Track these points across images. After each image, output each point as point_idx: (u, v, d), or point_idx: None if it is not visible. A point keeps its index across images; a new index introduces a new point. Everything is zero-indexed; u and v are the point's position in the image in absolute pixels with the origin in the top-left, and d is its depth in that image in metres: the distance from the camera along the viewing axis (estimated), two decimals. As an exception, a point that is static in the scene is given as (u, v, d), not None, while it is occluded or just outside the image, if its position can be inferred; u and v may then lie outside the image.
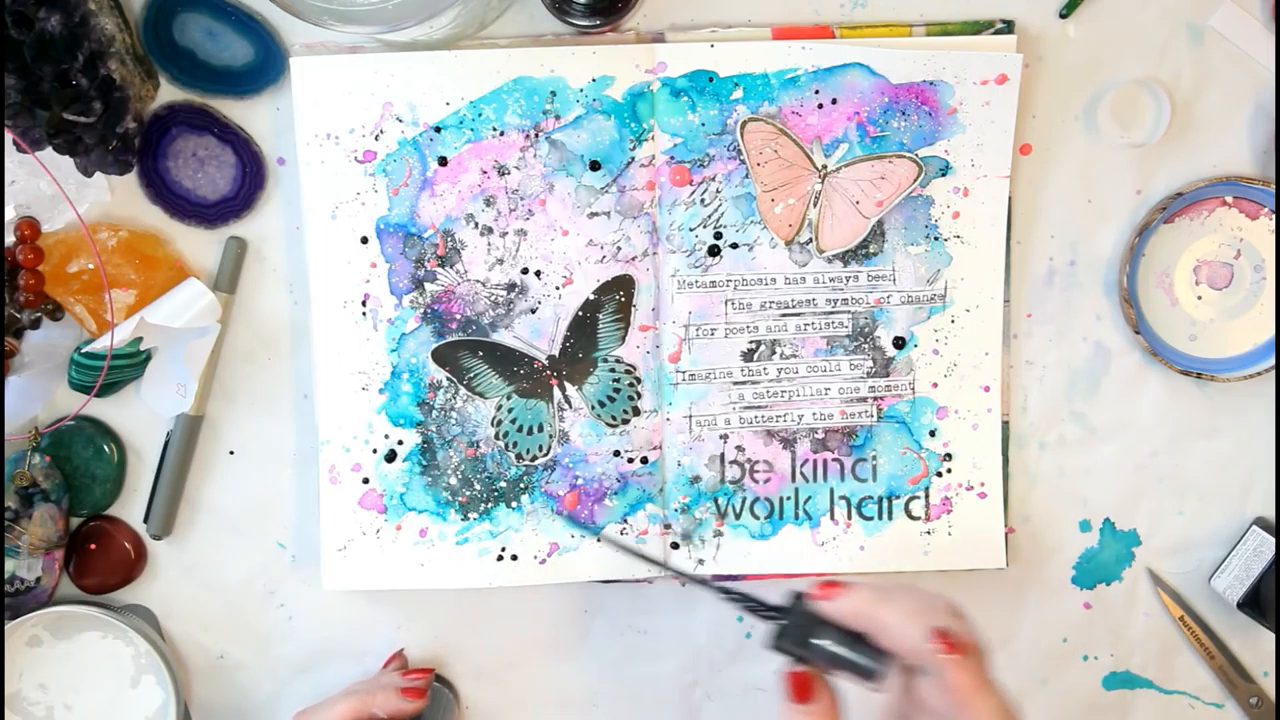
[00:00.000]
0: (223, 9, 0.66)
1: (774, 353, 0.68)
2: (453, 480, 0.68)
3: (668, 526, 0.69)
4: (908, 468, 0.69)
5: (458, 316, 0.68)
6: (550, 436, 0.69)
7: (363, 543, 0.68)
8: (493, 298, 0.68)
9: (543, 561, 0.69)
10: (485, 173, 0.67)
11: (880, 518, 0.69)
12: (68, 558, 0.69)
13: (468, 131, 0.66)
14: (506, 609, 0.71)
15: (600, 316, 0.68)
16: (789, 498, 0.69)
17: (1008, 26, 0.67)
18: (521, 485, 0.69)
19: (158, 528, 0.69)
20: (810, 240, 0.68)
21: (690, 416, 0.68)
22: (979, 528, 0.69)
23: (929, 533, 0.69)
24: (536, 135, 0.67)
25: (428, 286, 0.68)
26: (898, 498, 0.69)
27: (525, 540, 0.69)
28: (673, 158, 0.67)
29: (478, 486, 0.68)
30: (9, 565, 0.66)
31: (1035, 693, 0.72)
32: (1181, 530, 0.71)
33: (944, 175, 0.67)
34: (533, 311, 0.68)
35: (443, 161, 0.67)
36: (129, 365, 0.67)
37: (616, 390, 0.68)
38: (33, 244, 0.66)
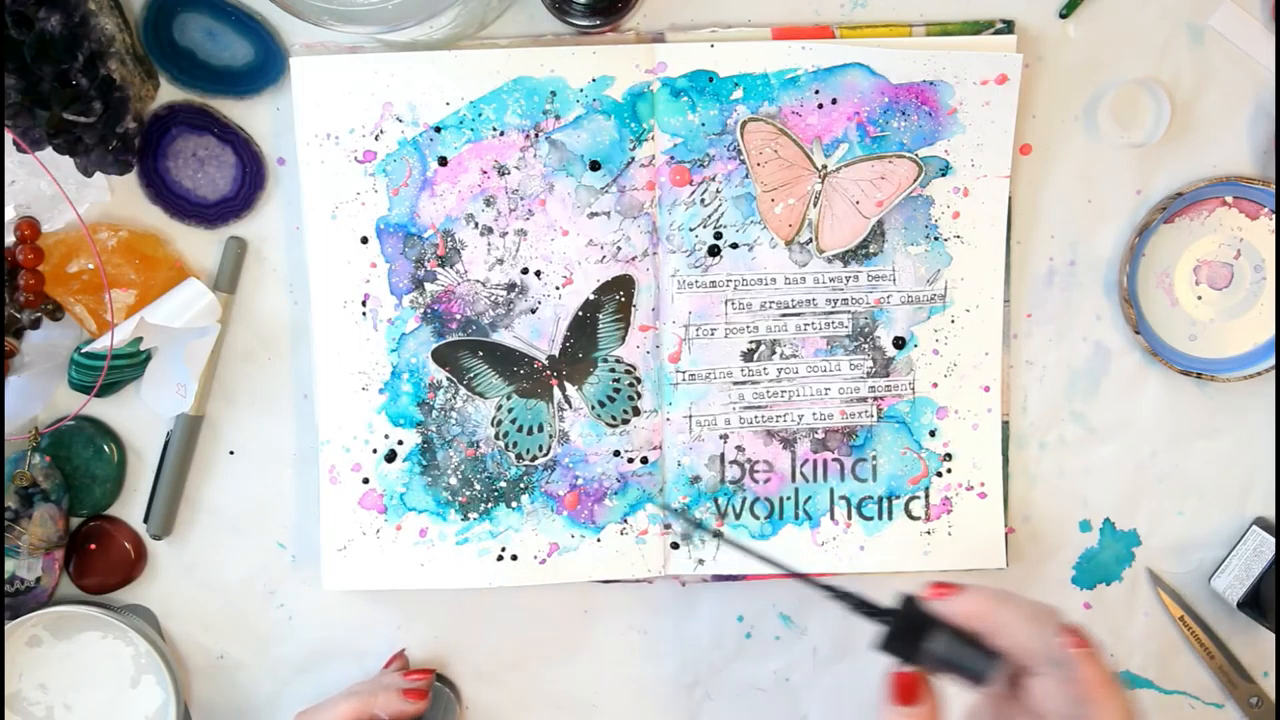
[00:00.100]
0: (223, 9, 0.66)
1: (774, 353, 0.68)
2: (453, 480, 0.68)
3: (668, 526, 0.69)
4: (908, 468, 0.69)
5: (458, 316, 0.68)
6: (550, 436, 0.69)
7: (363, 543, 0.68)
8: (493, 298, 0.68)
9: (543, 561, 0.69)
10: (485, 173, 0.67)
11: (880, 518, 0.69)
12: (68, 558, 0.69)
13: (468, 131, 0.66)
14: (506, 609, 0.71)
15: (600, 316, 0.68)
16: (789, 498, 0.69)
17: (1008, 26, 0.67)
18: (521, 485, 0.69)
19: (158, 528, 0.69)
20: (810, 240, 0.68)
21: (690, 416, 0.68)
22: (979, 528, 0.69)
23: (929, 533, 0.69)
24: (536, 135, 0.67)
25: (428, 286, 0.68)
26: (898, 498, 0.69)
27: (525, 540, 0.69)
28: (673, 158, 0.67)
29: (478, 486, 0.69)
30: (9, 565, 0.66)
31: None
32: (1181, 530, 0.71)
33: (944, 175, 0.67)
34: (533, 311, 0.68)
35: (443, 161, 0.67)
36: (129, 365, 0.67)
37: (616, 390, 0.68)
38: (33, 244, 0.66)
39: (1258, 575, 0.68)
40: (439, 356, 0.68)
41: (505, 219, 0.67)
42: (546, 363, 0.68)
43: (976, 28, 0.67)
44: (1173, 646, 0.72)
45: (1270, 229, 0.69)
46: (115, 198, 0.68)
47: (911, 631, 0.53)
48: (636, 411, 0.69)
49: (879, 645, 0.54)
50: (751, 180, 0.67)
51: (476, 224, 0.67)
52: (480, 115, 0.66)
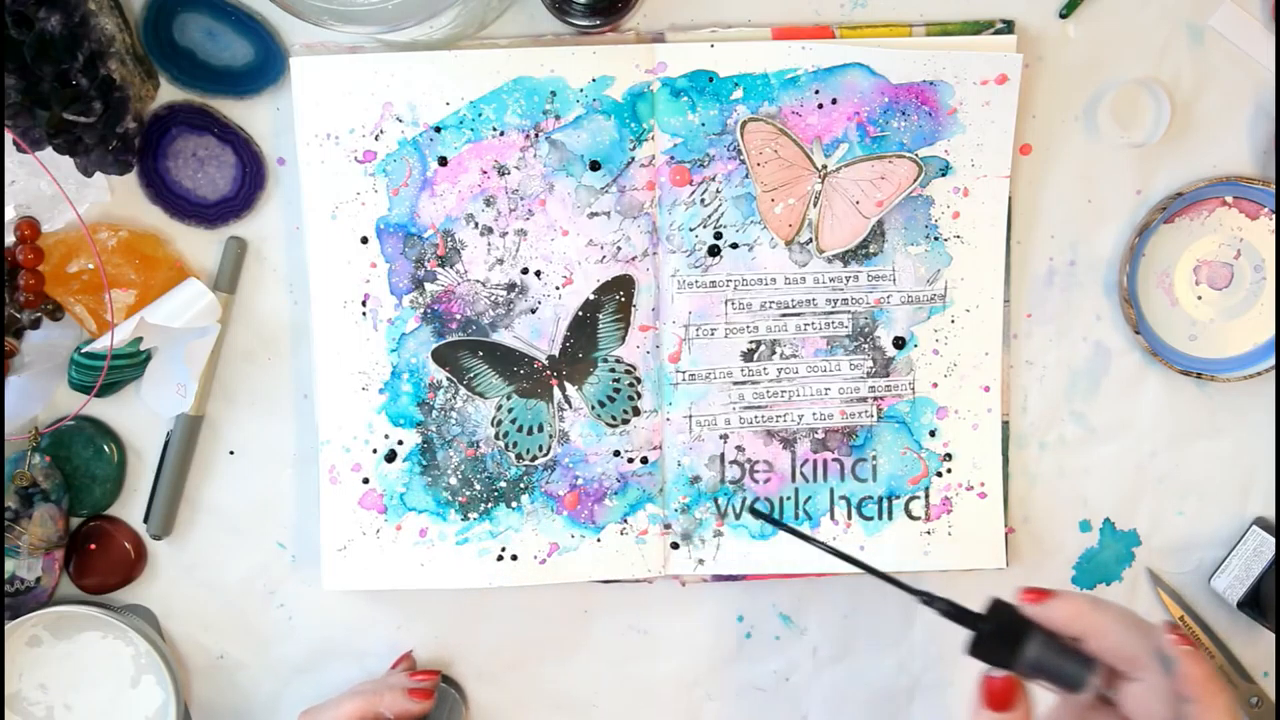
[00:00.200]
0: (223, 9, 0.66)
1: (774, 353, 0.68)
2: (453, 480, 0.68)
3: (668, 526, 0.69)
4: (908, 468, 0.69)
5: (458, 316, 0.68)
6: (550, 436, 0.69)
7: (363, 543, 0.68)
8: (493, 298, 0.68)
9: (543, 561, 0.69)
10: (485, 173, 0.67)
11: (880, 518, 0.69)
12: (68, 558, 0.69)
13: (468, 131, 0.66)
14: (506, 609, 0.71)
15: (600, 316, 0.68)
16: (789, 498, 0.69)
17: (1008, 26, 0.67)
18: (521, 485, 0.69)
19: (158, 528, 0.69)
20: (810, 240, 0.68)
21: (690, 416, 0.68)
22: (979, 528, 0.69)
23: (929, 533, 0.69)
24: (536, 135, 0.67)
25: (428, 286, 0.68)
26: (898, 498, 0.69)
27: (525, 540, 0.69)
28: (673, 158, 0.67)
29: (478, 486, 0.69)
30: (9, 565, 0.66)
31: (1035, 692, 0.72)
32: (1181, 530, 0.71)
33: (944, 175, 0.67)
34: (533, 311, 0.68)
35: (443, 161, 0.67)
36: (129, 365, 0.67)
37: (616, 390, 0.68)
38: (33, 244, 0.66)
39: (1258, 575, 0.68)
40: (439, 356, 0.68)
41: (505, 219, 0.67)
42: (546, 363, 0.68)
43: (976, 28, 0.67)
44: (1173, 646, 0.72)
45: (1270, 229, 0.69)
46: (115, 198, 0.68)
47: (1005, 636, 0.52)
48: (636, 411, 0.69)
49: (969, 650, 0.52)
50: (751, 180, 0.67)
51: (476, 224, 0.67)
52: (480, 115, 0.66)
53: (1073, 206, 0.69)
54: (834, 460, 0.69)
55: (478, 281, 0.68)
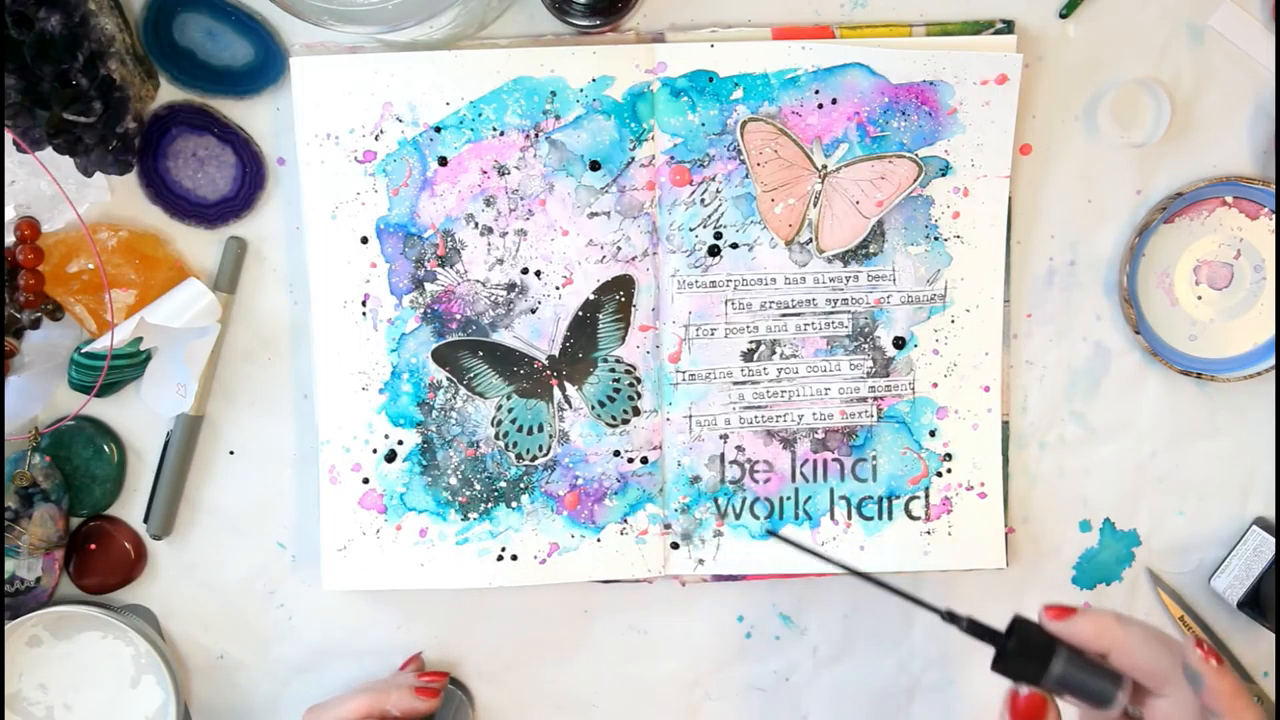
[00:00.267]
0: (223, 9, 0.66)
1: (774, 353, 0.68)
2: (453, 480, 0.68)
3: (668, 526, 0.69)
4: (908, 468, 0.69)
5: (458, 316, 0.68)
6: (550, 436, 0.69)
7: (363, 543, 0.68)
8: (493, 298, 0.68)
9: (543, 561, 0.69)
10: (485, 173, 0.67)
11: (880, 518, 0.69)
12: (68, 558, 0.69)
13: (468, 131, 0.66)
14: (506, 609, 0.71)
15: (600, 316, 0.68)
16: (789, 498, 0.69)
17: (1008, 26, 0.67)
18: (521, 485, 0.69)
19: (158, 528, 0.69)
20: (810, 240, 0.68)
21: (690, 416, 0.68)
22: (979, 528, 0.69)
23: (929, 533, 0.69)
24: (536, 135, 0.67)
25: (428, 286, 0.68)
26: (898, 498, 0.69)
27: (525, 540, 0.69)
28: (673, 158, 0.67)
29: (478, 486, 0.69)
30: (9, 565, 0.66)
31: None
32: (1181, 530, 0.71)
33: (944, 175, 0.67)
34: (533, 311, 0.68)
35: (443, 161, 0.67)
36: (129, 365, 0.67)
37: (616, 390, 0.68)
38: (33, 244, 0.66)
39: (1258, 575, 0.68)
40: (439, 356, 0.68)
41: (505, 219, 0.67)
42: (546, 363, 0.68)
43: (976, 28, 0.67)
44: (1173, 646, 0.72)
45: (1270, 229, 0.69)
46: (115, 198, 0.68)
47: (1031, 653, 0.52)
48: (636, 411, 0.69)
49: (995, 666, 0.52)
50: (751, 180, 0.67)
51: (476, 224, 0.67)
52: (480, 115, 0.66)
53: (1073, 206, 0.69)
54: (834, 460, 0.69)
55: (478, 281, 0.68)
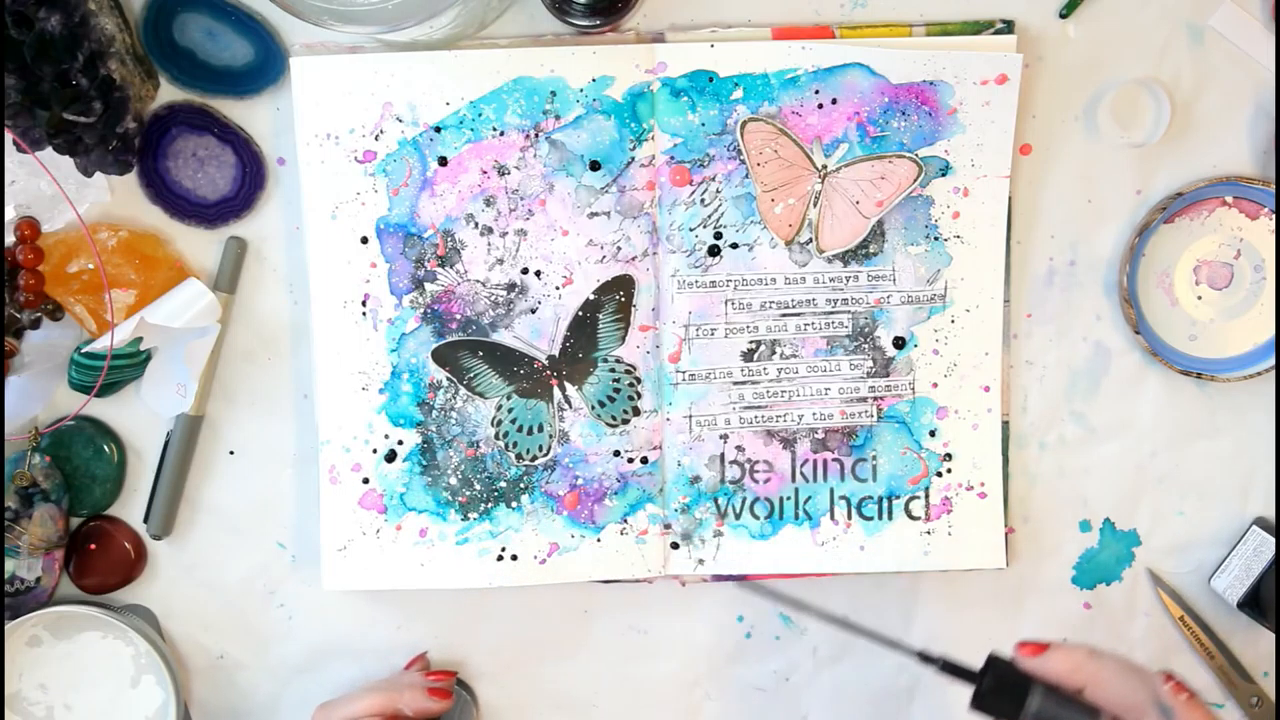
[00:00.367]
0: (223, 9, 0.66)
1: (774, 353, 0.68)
2: (453, 480, 0.68)
3: (668, 526, 0.69)
4: (908, 468, 0.69)
5: (458, 316, 0.68)
6: (550, 436, 0.69)
7: (363, 543, 0.68)
8: (493, 298, 0.68)
9: (543, 561, 0.69)
10: (485, 173, 0.67)
11: (880, 518, 0.69)
12: (68, 558, 0.69)
13: (468, 131, 0.66)
14: (506, 609, 0.71)
15: (600, 316, 0.68)
16: (789, 498, 0.69)
17: (1008, 26, 0.67)
18: (521, 485, 0.69)
19: (158, 528, 0.69)
20: (810, 240, 0.68)
21: (690, 416, 0.68)
22: (979, 528, 0.69)
23: (929, 533, 0.69)
24: (536, 135, 0.67)
25: (428, 286, 0.68)
26: (898, 498, 0.69)
27: (525, 540, 0.69)
28: (673, 158, 0.67)
29: (478, 486, 0.69)
30: (9, 565, 0.66)
31: (1035, 693, 0.72)
32: (1181, 530, 0.71)
33: (944, 175, 0.67)
34: (533, 311, 0.68)
35: (443, 161, 0.67)
36: (129, 365, 0.67)
37: (616, 390, 0.68)
38: (33, 244, 0.66)
39: (1258, 575, 0.68)
40: (439, 356, 0.68)
41: (505, 219, 0.67)
42: (546, 363, 0.68)
43: (976, 28, 0.67)
44: (1173, 647, 0.72)
45: (1270, 229, 0.69)
46: (115, 198, 0.68)
47: (1007, 690, 0.53)
48: (636, 411, 0.69)
49: (973, 704, 0.53)
50: (751, 180, 0.67)
51: (476, 224, 0.67)
52: (480, 115, 0.66)
53: (1073, 206, 0.69)
54: (834, 460, 0.69)
55: (478, 281, 0.68)
